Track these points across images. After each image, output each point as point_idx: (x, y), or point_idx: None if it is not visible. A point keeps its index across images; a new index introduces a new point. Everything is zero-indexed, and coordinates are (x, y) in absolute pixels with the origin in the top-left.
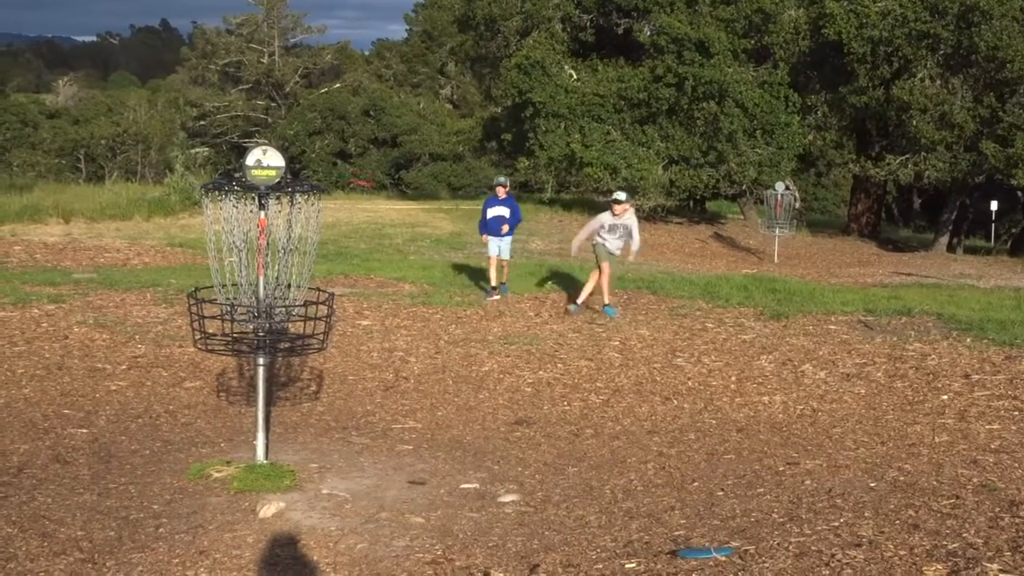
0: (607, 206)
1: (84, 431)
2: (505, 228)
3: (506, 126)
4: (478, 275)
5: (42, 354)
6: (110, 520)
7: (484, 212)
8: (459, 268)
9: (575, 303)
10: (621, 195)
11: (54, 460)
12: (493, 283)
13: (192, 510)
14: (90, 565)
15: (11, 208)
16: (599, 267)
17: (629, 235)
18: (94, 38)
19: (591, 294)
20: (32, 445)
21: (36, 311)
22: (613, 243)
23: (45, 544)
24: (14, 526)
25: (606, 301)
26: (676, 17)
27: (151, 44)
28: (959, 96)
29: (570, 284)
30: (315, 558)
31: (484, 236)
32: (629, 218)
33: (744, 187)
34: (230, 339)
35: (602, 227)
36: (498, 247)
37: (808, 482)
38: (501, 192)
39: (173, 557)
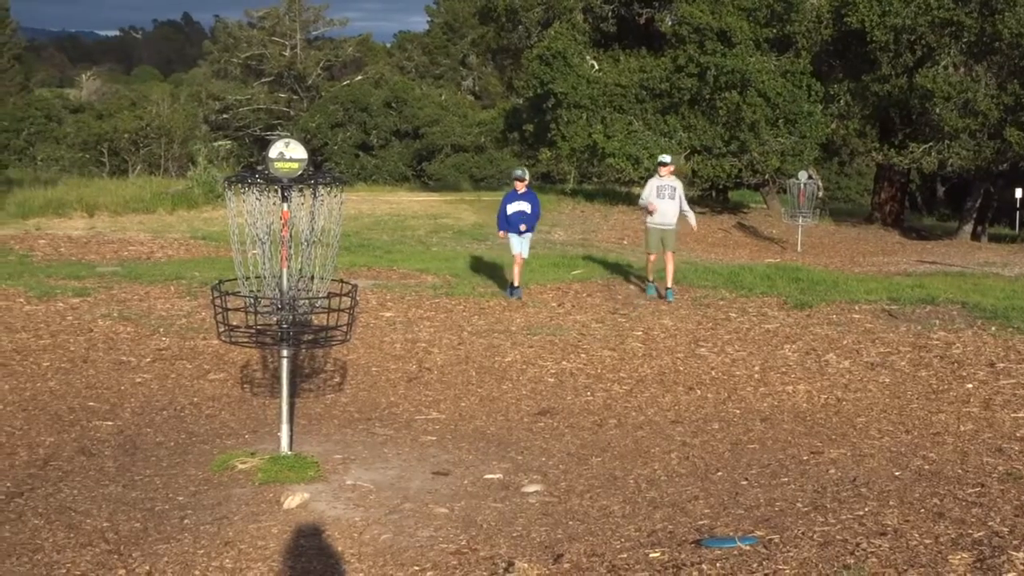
0: (628, 196)
1: (109, 423)
2: (523, 227)
3: (528, 117)
4: (500, 267)
5: (67, 347)
6: (136, 511)
7: (503, 207)
8: (482, 259)
9: (650, 283)
10: (666, 157)
11: (80, 452)
12: (516, 282)
13: (217, 501)
14: (116, 556)
15: (36, 202)
16: (650, 253)
17: (674, 195)
18: (116, 33)
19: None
20: (58, 437)
21: (61, 304)
22: (669, 209)
23: (71, 535)
24: (41, 517)
25: (668, 284)
26: (698, 6)
27: (173, 38)
28: (983, 84)
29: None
30: (339, 548)
31: (502, 232)
32: (674, 180)
33: (767, 176)
34: (254, 331)
35: (658, 189)
36: (520, 244)
37: (832, 471)
38: (520, 186)
39: (198, 548)
